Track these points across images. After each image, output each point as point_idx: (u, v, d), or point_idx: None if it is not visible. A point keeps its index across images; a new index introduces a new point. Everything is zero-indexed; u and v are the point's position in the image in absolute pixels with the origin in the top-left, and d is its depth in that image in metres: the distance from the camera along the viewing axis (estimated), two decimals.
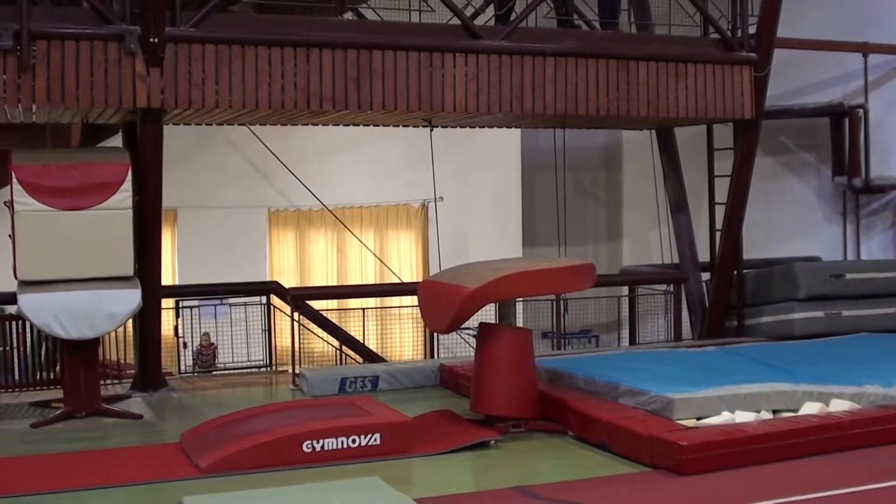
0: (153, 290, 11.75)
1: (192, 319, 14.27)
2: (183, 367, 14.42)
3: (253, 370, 14.42)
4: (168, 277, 21.12)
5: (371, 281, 21.77)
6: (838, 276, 14.90)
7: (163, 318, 12.73)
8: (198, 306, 14.34)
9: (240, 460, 8.89)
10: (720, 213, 15.03)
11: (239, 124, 14.65)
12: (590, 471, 9.01)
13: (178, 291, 15.19)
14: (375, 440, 9.30)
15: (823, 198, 17.64)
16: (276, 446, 9.06)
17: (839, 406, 10.07)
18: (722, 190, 15.02)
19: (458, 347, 15.59)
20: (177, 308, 14.14)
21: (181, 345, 14.31)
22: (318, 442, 9.12)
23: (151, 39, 11.01)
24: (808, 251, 16.99)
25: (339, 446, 9.19)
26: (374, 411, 9.91)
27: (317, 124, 14.48)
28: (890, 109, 16.75)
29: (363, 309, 15.41)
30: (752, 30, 14.09)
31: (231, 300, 14.51)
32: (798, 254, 16.64)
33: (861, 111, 16.52)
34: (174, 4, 11.19)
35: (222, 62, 11.47)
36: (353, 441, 9.23)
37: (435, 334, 14.70)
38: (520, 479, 8.68)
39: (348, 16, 14.18)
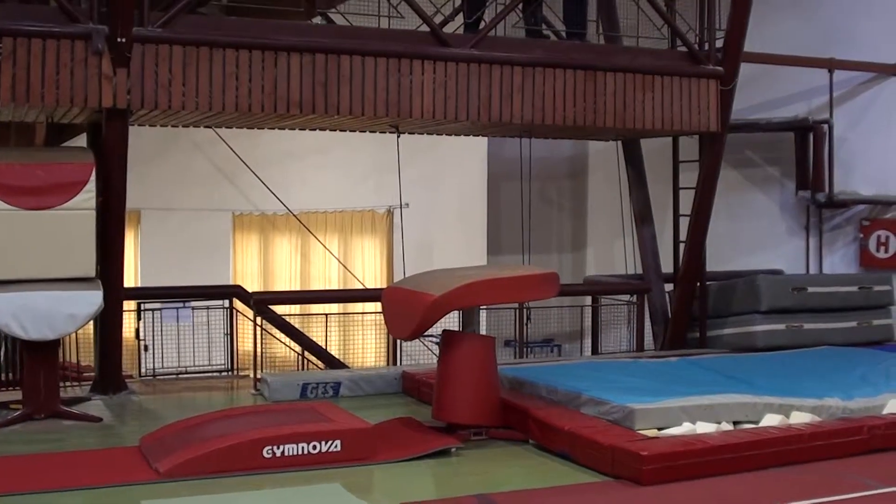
0: (115, 292, 11.66)
1: (153, 322, 14.17)
2: (143, 370, 14.31)
3: (214, 374, 14.34)
4: (130, 279, 20.98)
5: (335, 286, 21.72)
6: (800, 289, 14.99)
7: (124, 321, 12.64)
8: (160, 309, 14.24)
9: (199, 465, 8.83)
10: (684, 224, 15.08)
11: (205, 127, 14.57)
12: (550, 479, 9.01)
13: (140, 294, 15.09)
14: (336, 446, 9.25)
15: (787, 211, 17.75)
16: (236, 451, 8.99)
17: (800, 418, 10.12)
18: (686, 202, 15.07)
19: (421, 355, 15.57)
20: (138, 310, 14.03)
21: (142, 347, 14.20)
22: (278, 447, 9.06)
23: (118, 39, 10.92)
24: (771, 264, 17.09)
25: (300, 452, 9.13)
26: (335, 417, 9.87)
27: (283, 128, 14.43)
28: (854, 125, 16.89)
29: (326, 314, 15.36)
30: (719, 44, 14.15)
31: (193, 303, 14.42)
32: (761, 267, 16.73)
33: (826, 126, 16.63)
34: (142, 5, 11.11)
35: (189, 64, 11.41)
36: (314, 447, 9.18)
37: (398, 341, 14.67)
38: (480, 487, 8.66)
39: (317, 20, 14.15)
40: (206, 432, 9.47)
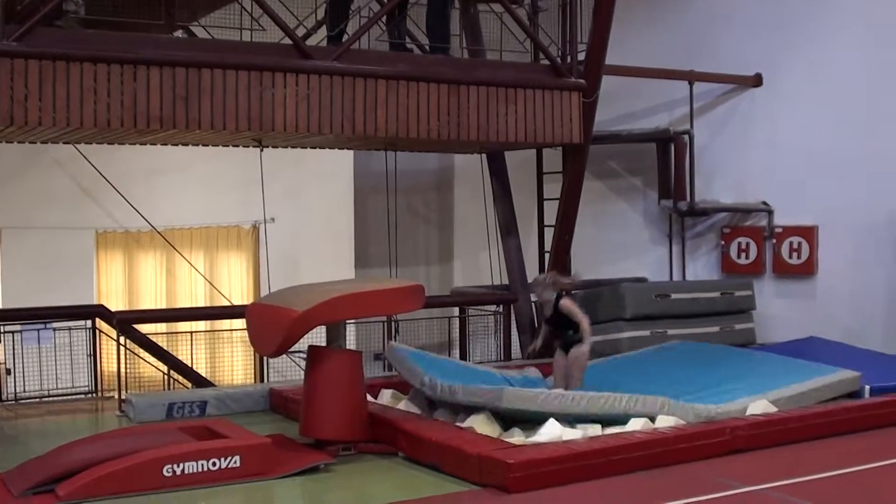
0: None
1: (14, 345, 13.80)
2: (5, 395, 13.93)
3: (79, 397, 14.02)
4: None
5: (201, 304, 21.44)
6: (664, 296, 15.27)
7: None
8: (20, 331, 13.88)
9: (99, 486, 8.57)
10: (549, 235, 15.24)
11: (64, 143, 14.27)
12: (420, 491, 9.00)
13: None
14: (235, 462, 9.12)
15: (650, 220, 18.06)
16: (137, 471, 8.77)
17: (665, 422, 10.30)
18: (551, 213, 15.25)
19: (291, 370, 15.45)
20: None
21: (3, 371, 13.83)
22: (178, 465, 8.89)
23: None
24: (635, 272, 17.37)
25: (200, 469, 8.97)
26: (231, 433, 9.73)
27: (144, 143, 14.20)
28: (714, 136, 17.26)
29: (192, 332, 15.14)
30: (581, 56, 14.35)
31: (55, 324, 14.09)
32: (626, 275, 17.00)
33: (686, 137, 16.95)
34: None
35: (46, 79, 11.10)
36: (214, 464, 9.04)
37: (266, 358, 14.53)
38: (352, 502, 8.66)
39: (178, 33, 13.97)
40: (100, 453, 9.16)
